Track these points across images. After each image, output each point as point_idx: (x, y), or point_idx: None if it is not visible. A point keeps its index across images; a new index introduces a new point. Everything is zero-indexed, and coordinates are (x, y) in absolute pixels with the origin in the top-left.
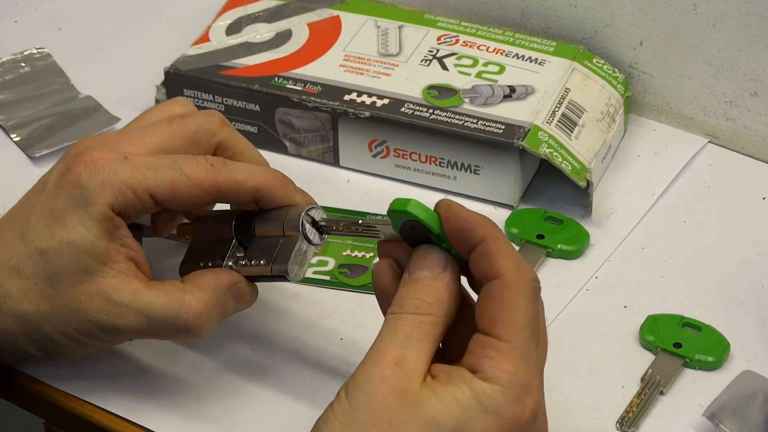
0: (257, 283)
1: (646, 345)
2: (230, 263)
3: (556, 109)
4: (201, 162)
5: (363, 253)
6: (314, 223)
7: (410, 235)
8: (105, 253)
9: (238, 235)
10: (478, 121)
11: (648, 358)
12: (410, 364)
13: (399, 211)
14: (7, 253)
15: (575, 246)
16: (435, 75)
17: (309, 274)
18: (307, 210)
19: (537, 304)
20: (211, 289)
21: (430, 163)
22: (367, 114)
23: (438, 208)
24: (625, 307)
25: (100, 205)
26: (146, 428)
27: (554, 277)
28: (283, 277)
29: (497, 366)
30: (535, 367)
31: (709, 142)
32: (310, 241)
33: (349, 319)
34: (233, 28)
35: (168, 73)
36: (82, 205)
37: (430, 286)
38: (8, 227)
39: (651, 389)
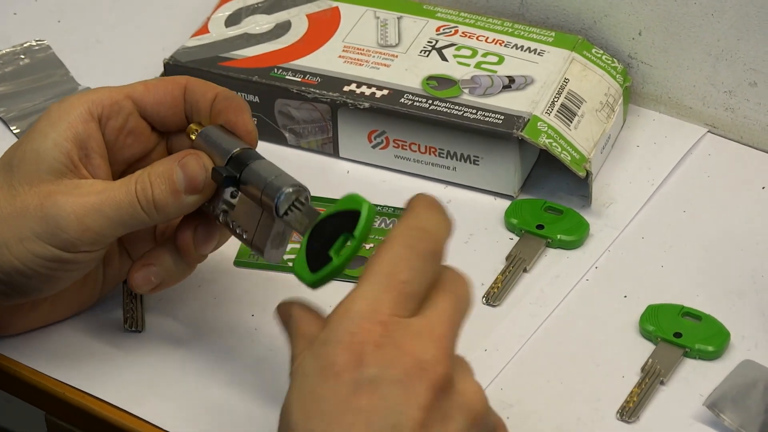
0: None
1: (646, 335)
2: (220, 210)
3: (556, 100)
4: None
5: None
6: (294, 202)
7: (324, 229)
8: (67, 158)
9: (226, 179)
10: (477, 112)
11: (648, 347)
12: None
13: (352, 209)
14: None
15: (575, 236)
16: (434, 66)
17: None
18: (287, 191)
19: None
20: (162, 160)
21: (430, 154)
22: (367, 105)
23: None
24: (625, 296)
25: (75, 107)
26: (146, 420)
27: (554, 267)
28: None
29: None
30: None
31: (708, 131)
32: (288, 224)
33: None
34: (232, 20)
35: (167, 65)
36: (57, 113)
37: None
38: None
39: (651, 379)
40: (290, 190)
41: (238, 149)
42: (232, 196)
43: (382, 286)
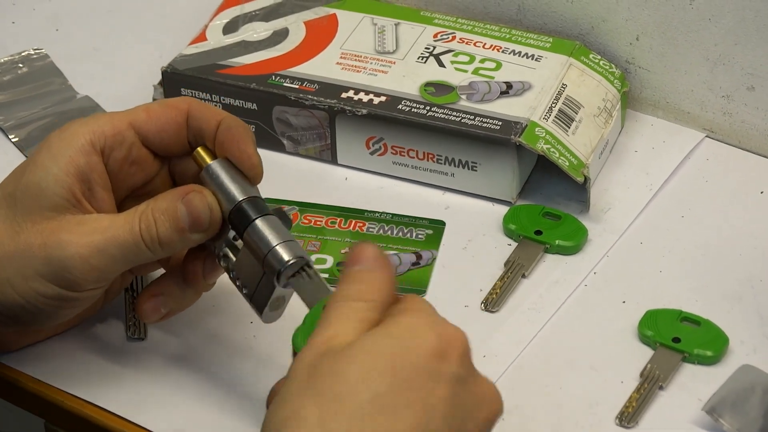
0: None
1: (645, 340)
2: (222, 253)
3: (553, 105)
4: (173, 98)
5: None
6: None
7: None
8: (69, 192)
9: (232, 223)
10: (475, 118)
11: (647, 353)
12: (345, 337)
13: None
14: None
15: (573, 242)
16: (432, 72)
17: None
18: (291, 262)
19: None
20: (164, 195)
21: (428, 160)
22: (365, 111)
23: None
24: (624, 302)
25: (77, 139)
26: (146, 428)
27: (553, 272)
28: None
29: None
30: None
31: (706, 136)
32: (296, 291)
33: None
34: (230, 27)
35: (165, 73)
36: (57, 144)
37: (366, 276)
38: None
39: (650, 384)
40: (294, 261)
41: (244, 198)
42: (235, 239)
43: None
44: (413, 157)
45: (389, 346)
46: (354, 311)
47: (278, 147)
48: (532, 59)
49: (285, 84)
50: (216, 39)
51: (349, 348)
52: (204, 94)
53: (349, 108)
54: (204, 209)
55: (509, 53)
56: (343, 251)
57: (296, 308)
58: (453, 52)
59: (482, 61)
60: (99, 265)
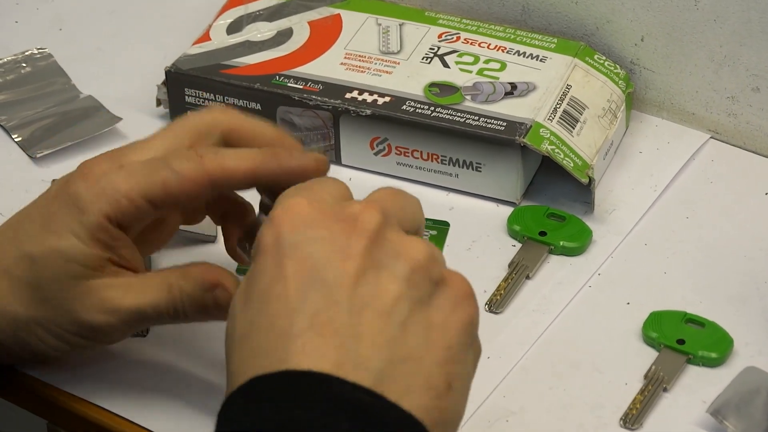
0: None
1: (649, 341)
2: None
3: (558, 106)
4: (191, 155)
5: None
6: None
7: None
8: (96, 261)
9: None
10: (479, 119)
11: (651, 354)
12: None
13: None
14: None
15: (578, 243)
16: (436, 72)
17: None
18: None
19: None
20: (195, 280)
21: (432, 161)
22: (369, 112)
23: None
24: (628, 303)
25: (94, 214)
26: (149, 429)
27: (557, 274)
28: None
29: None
30: None
31: (711, 137)
32: None
33: None
34: (234, 27)
35: (169, 73)
36: (76, 214)
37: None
38: (3, 230)
39: (654, 386)
40: None
41: None
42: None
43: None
44: (417, 158)
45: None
46: None
47: None
48: (537, 60)
49: (289, 84)
50: (220, 39)
51: None
52: (208, 94)
53: (353, 108)
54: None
55: (514, 54)
56: None
57: None
58: (457, 53)
59: (487, 61)
60: (127, 328)
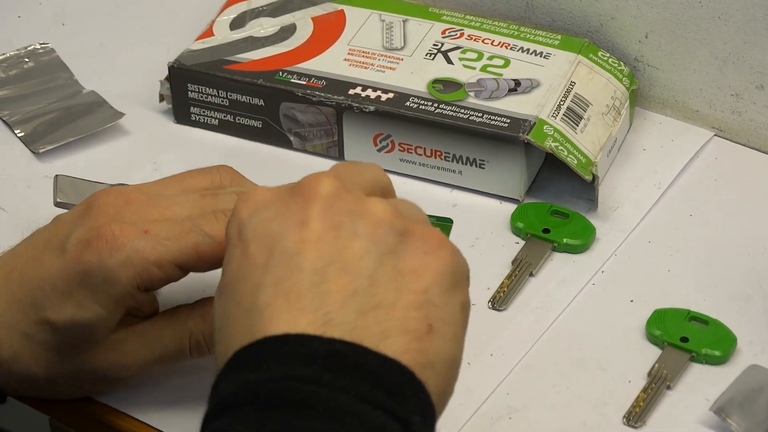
0: None
1: (652, 339)
2: None
3: (562, 103)
4: (220, 217)
5: None
6: None
7: None
8: (116, 323)
9: None
10: (483, 115)
11: (655, 352)
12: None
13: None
14: (17, 315)
15: (581, 240)
16: (440, 69)
17: None
18: None
19: None
20: (208, 311)
21: (436, 158)
22: (372, 108)
23: None
24: (632, 301)
25: (122, 285)
26: (152, 426)
27: (560, 271)
28: None
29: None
30: None
31: (715, 135)
32: None
33: None
34: (237, 23)
35: (172, 68)
36: (101, 284)
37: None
38: (19, 285)
39: (658, 384)
40: None
41: None
42: None
43: None
44: (421, 155)
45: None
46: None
47: (285, 143)
48: (541, 56)
49: (292, 80)
50: (223, 34)
51: None
52: (211, 89)
53: (356, 104)
54: None
55: (518, 50)
56: None
57: None
58: (461, 49)
59: (490, 58)
60: (146, 373)
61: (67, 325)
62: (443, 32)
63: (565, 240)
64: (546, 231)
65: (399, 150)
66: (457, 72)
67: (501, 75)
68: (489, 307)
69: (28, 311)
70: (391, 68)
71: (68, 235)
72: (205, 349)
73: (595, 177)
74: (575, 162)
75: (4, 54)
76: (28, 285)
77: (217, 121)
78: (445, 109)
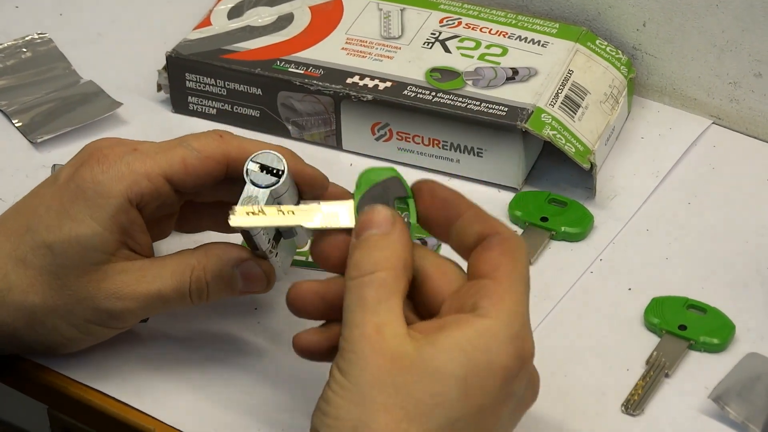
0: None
1: (651, 327)
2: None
3: (560, 91)
4: (210, 135)
5: None
6: (265, 168)
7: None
8: (114, 246)
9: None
10: (481, 104)
11: (653, 340)
12: (391, 327)
13: (382, 169)
14: (13, 243)
15: (579, 228)
16: (437, 57)
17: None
18: (256, 156)
19: (528, 263)
20: (218, 257)
21: (433, 146)
22: (370, 97)
23: (419, 183)
24: (630, 289)
25: (115, 197)
26: (149, 414)
27: (558, 259)
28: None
29: (498, 303)
30: (528, 316)
31: (713, 123)
32: (256, 184)
33: None
34: (235, 12)
35: (170, 58)
36: (94, 198)
37: (382, 241)
38: (14, 217)
39: (656, 372)
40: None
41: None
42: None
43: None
44: (419, 143)
45: (461, 366)
46: (385, 289)
47: (283, 132)
48: (539, 45)
49: (290, 69)
50: (221, 24)
51: (419, 360)
52: (208, 79)
53: (354, 93)
54: (261, 278)
55: (515, 39)
56: None
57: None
58: (459, 38)
59: (488, 46)
60: (145, 313)
61: (64, 245)
62: (441, 21)
63: (563, 228)
64: (544, 219)
65: (397, 139)
66: (455, 61)
67: (499, 63)
68: None
69: (23, 237)
70: (388, 57)
71: (60, 171)
72: (205, 289)
73: (593, 165)
74: (573, 150)
75: (1, 44)
76: (23, 215)
77: (214, 110)
78: (443, 98)
